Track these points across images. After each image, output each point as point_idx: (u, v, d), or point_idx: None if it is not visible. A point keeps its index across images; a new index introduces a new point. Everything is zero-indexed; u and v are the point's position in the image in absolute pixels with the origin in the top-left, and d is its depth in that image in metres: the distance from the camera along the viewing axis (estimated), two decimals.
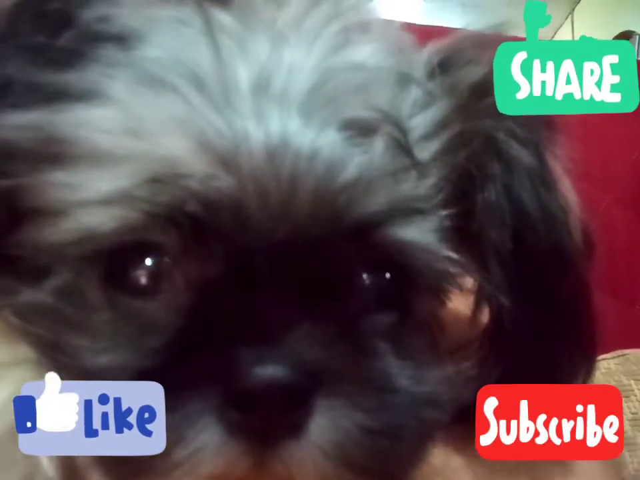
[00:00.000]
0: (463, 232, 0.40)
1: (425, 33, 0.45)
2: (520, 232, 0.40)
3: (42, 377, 0.34)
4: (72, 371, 0.35)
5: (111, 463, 0.34)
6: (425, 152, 0.38)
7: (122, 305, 0.35)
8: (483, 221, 0.40)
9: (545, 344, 0.41)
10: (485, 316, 0.42)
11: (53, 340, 0.36)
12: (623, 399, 0.90)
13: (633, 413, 0.89)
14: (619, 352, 0.98)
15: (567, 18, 4.15)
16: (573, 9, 4.10)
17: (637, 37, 3.52)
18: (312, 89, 0.35)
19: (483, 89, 0.40)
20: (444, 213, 0.38)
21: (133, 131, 0.34)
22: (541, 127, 0.42)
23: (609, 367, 0.95)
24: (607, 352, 0.99)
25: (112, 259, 0.35)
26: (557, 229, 0.41)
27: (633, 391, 0.91)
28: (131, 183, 0.34)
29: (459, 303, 0.43)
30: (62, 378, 0.35)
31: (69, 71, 0.35)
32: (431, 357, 0.39)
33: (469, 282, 0.42)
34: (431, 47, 0.42)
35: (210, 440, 0.32)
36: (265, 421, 0.33)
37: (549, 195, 0.41)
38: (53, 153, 0.35)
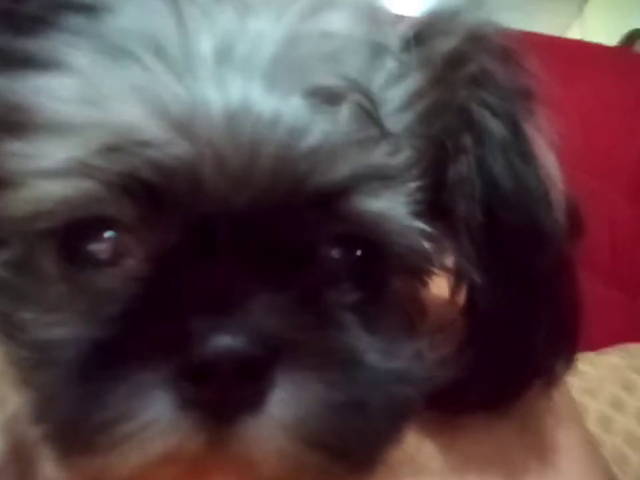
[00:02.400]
0: (438, 206, 0.39)
1: None
2: (493, 207, 0.38)
3: None
4: (24, 344, 0.34)
5: (57, 438, 0.33)
6: (398, 123, 0.37)
7: (78, 278, 0.35)
8: (453, 195, 0.39)
9: (519, 327, 0.39)
10: (462, 296, 0.41)
11: (4, 312, 0.35)
12: (628, 393, 0.87)
13: (638, 409, 0.86)
14: (622, 346, 0.96)
15: (576, 17, 4.15)
16: (582, 9, 4.10)
17: None
18: (277, 56, 0.34)
19: (457, 59, 0.39)
20: (417, 184, 0.37)
21: (91, 99, 0.34)
22: (518, 98, 0.40)
23: (612, 363, 0.92)
24: (611, 345, 0.97)
25: (67, 232, 0.35)
26: (533, 203, 0.39)
27: (637, 386, 0.88)
28: (86, 152, 0.33)
29: (441, 285, 0.42)
30: (14, 351, 0.35)
31: (33, 38, 0.35)
32: (405, 334, 0.38)
33: (449, 261, 0.41)
34: (407, 20, 0.41)
35: (161, 413, 0.31)
36: (220, 393, 0.31)
37: (526, 168, 0.39)
38: (13, 121, 0.34)
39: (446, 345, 0.38)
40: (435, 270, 0.41)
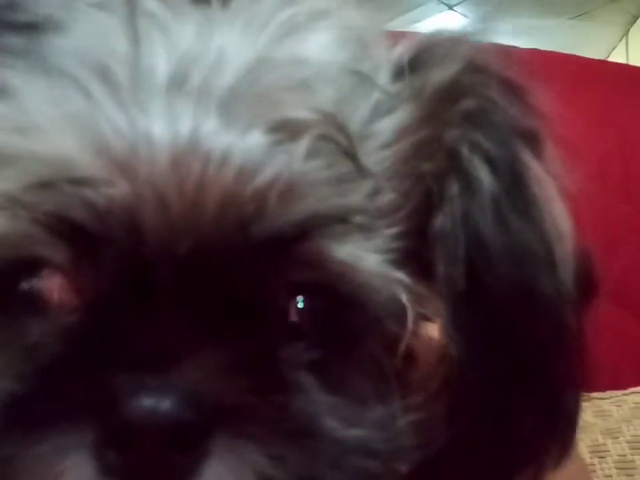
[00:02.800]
0: (421, 257, 0.35)
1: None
2: (478, 270, 0.34)
3: None
4: None
5: None
6: (380, 161, 0.34)
7: (4, 325, 0.32)
8: (434, 252, 0.34)
9: (507, 405, 0.35)
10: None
11: None
12: None
13: None
14: None
15: (621, 39, 4.16)
16: (628, 31, 4.11)
17: None
18: (239, 84, 0.31)
19: (453, 92, 0.36)
20: (396, 231, 0.34)
21: (24, 127, 0.31)
22: (520, 141, 0.36)
23: (637, 402, 0.89)
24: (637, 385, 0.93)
25: None
26: (528, 266, 0.34)
27: None
28: (17, 186, 0.31)
29: (433, 329, 0.37)
30: None
31: None
32: (377, 394, 0.34)
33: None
34: (403, 44, 0.37)
35: None
36: (146, 462, 0.28)
37: (522, 224, 0.35)
38: None
39: (423, 409, 0.34)
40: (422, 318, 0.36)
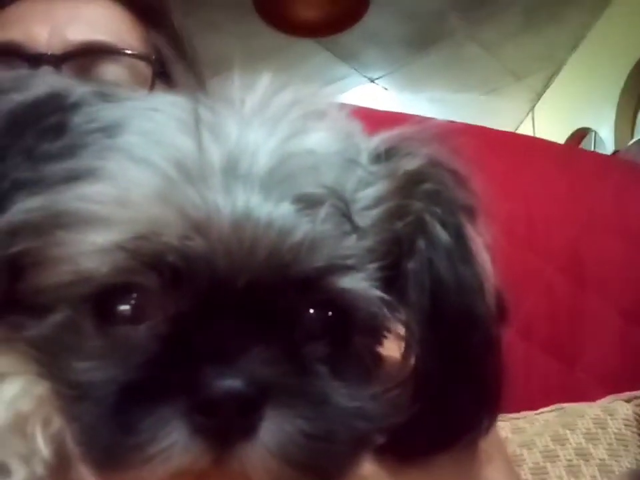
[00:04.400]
0: (391, 282, 0.48)
1: (386, 119, 0.53)
2: (437, 297, 0.48)
3: (43, 384, 0.43)
4: (66, 383, 0.43)
5: (94, 458, 0.42)
6: (365, 219, 0.45)
7: (110, 333, 0.43)
8: (407, 285, 0.48)
9: (452, 391, 0.48)
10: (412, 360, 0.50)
11: (51, 360, 0.44)
12: (559, 447, 0.97)
13: (568, 460, 0.95)
14: (558, 405, 1.05)
15: (527, 114, 4.37)
16: (534, 106, 4.33)
17: (593, 133, 3.74)
18: (271, 170, 0.42)
19: (418, 178, 0.48)
20: (377, 265, 0.46)
21: (122, 201, 0.41)
22: (463, 213, 0.50)
23: (546, 419, 1.02)
24: (546, 406, 1.06)
25: (103, 296, 0.43)
26: (468, 296, 0.48)
27: (567, 439, 0.98)
28: (121, 238, 0.41)
29: (392, 347, 0.51)
30: (58, 387, 0.43)
31: (67, 161, 0.43)
32: (364, 381, 0.47)
33: (400, 329, 0.50)
34: (380, 135, 0.50)
35: (178, 439, 0.40)
36: (223, 424, 0.40)
37: (466, 269, 0.49)
38: (56, 223, 0.42)
39: (397, 393, 0.48)
40: (389, 333, 0.50)
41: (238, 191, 0.41)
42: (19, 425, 0.43)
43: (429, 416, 0.47)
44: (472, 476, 0.54)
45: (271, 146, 0.43)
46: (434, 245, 0.48)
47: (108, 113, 0.45)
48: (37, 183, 0.43)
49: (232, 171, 0.42)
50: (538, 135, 3.61)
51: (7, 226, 0.42)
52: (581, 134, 3.80)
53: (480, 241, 0.50)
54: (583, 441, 0.98)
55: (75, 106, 0.45)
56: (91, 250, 0.41)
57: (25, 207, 0.42)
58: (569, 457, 0.95)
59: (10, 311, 0.44)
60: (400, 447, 0.48)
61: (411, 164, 0.48)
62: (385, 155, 0.49)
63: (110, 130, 0.44)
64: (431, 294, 0.47)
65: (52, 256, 0.43)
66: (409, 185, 0.48)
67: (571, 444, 0.96)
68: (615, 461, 0.97)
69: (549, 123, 3.98)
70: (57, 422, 0.44)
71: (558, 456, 0.95)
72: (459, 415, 0.49)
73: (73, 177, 0.43)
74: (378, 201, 0.46)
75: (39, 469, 0.43)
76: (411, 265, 0.48)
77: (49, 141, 0.44)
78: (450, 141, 0.50)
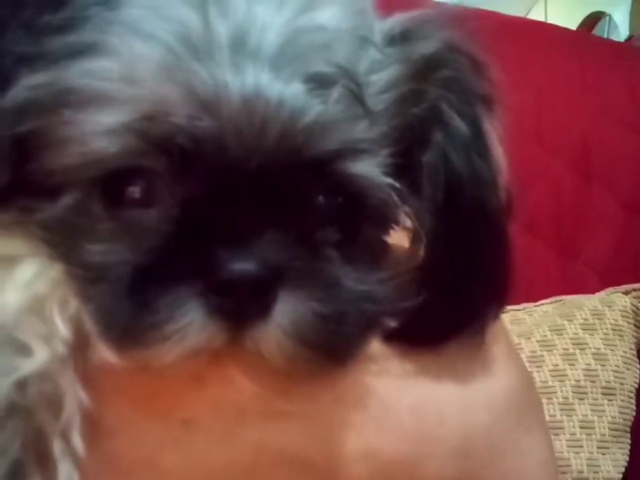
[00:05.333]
0: (403, 170, 0.47)
1: (399, 1, 0.50)
2: (451, 189, 0.47)
3: (57, 266, 0.44)
4: (81, 265, 0.43)
5: (112, 337, 0.42)
6: (378, 104, 0.44)
7: (121, 216, 0.43)
8: (420, 177, 0.48)
9: (462, 283, 0.49)
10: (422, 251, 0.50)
11: (64, 243, 0.44)
12: (556, 336, 1.01)
13: (564, 349, 0.99)
14: (558, 297, 1.08)
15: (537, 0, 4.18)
16: None
17: (607, 17, 3.59)
18: (281, 47, 0.41)
19: (434, 63, 0.47)
20: (389, 151, 0.46)
21: (128, 78, 0.40)
22: (481, 103, 0.49)
23: (546, 311, 1.05)
24: (546, 298, 1.10)
25: (112, 179, 0.42)
26: (482, 189, 0.48)
27: (565, 329, 1.01)
28: (128, 118, 0.40)
29: (401, 237, 0.51)
30: (71, 270, 0.44)
31: (69, 35, 0.41)
32: (373, 267, 0.47)
33: (408, 222, 0.50)
34: (395, 16, 0.48)
35: (195, 318, 0.40)
36: (238, 304, 0.41)
37: (481, 161, 0.48)
38: (62, 101, 0.41)
39: (405, 280, 0.48)
40: (397, 225, 0.50)
41: (247, 69, 0.40)
42: (37, 307, 0.43)
43: (438, 304, 0.48)
44: (479, 357, 0.55)
45: (280, 21, 0.41)
46: (450, 137, 0.47)
47: None
48: (40, 58, 0.41)
49: (240, 47, 0.40)
50: (550, 20, 3.46)
51: (12, 104, 0.41)
52: (595, 18, 3.65)
53: (495, 133, 0.49)
54: (580, 330, 1.02)
55: None
56: (98, 130, 0.41)
57: (29, 83, 0.41)
58: (565, 346, 0.99)
59: (20, 195, 0.44)
60: (410, 333, 0.49)
61: (427, 48, 0.47)
62: (400, 38, 0.47)
63: (111, 2, 0.42)
64: (445, 187, 0.48)
65: (59, 136, 0.42)
66: (425, 70, 0.47)
67: (567, 333, 1.00)
68: (610, 350, 1.01)
69: (562, 4, 3.81)
70: (74, 303, 0.44)
71: (555, 345, 0.99)
72: (468, 304, 0.50)
73: (77, 52, 0.41)
74: (392, 85, 0.45)
75: (60, 349, 0.43)
76: (425, 158, 0.47)
77: (49, 13, 0.42)
78: (467, 25, 0.49)
